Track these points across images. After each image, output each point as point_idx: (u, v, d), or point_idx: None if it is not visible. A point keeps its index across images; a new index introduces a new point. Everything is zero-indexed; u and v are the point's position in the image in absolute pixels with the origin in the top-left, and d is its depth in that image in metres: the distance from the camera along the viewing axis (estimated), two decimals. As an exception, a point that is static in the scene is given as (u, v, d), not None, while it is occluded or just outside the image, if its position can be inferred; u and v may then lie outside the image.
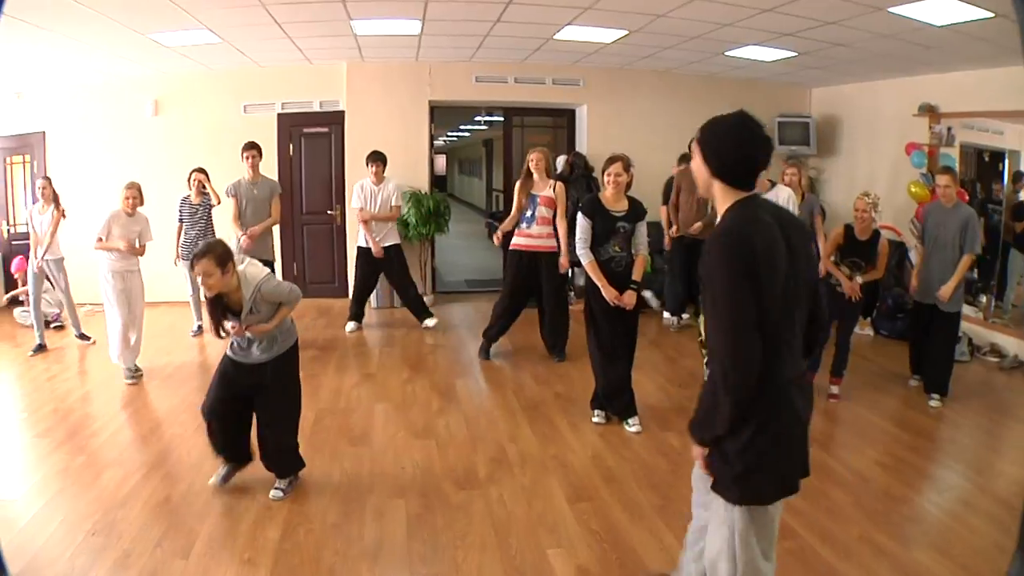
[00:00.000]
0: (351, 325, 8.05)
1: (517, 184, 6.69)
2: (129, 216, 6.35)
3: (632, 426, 5.16)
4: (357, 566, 3.50)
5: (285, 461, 4.31)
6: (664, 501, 4.10)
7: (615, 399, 5.24)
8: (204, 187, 7.62)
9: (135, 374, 6.42)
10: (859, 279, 5.70)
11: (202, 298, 4.64)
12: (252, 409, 4.23)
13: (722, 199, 2.33)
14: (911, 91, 8.34)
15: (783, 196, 6.16)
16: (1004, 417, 5.79)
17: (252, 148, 7.22)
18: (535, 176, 6.54)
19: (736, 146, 2.30)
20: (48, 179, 7.36)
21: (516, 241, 6.64)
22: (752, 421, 2.23)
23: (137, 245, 6.41)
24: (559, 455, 4.74)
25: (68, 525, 3.87)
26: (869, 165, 9.19)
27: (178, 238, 7.71)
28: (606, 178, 5.08)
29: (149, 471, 4.56)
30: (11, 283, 9.02)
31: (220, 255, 3.77)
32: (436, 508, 4.02)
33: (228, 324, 4.01)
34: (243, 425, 4.28)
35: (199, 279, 3.82)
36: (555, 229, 6.55)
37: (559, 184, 6.63)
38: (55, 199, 7.23)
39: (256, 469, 4.49)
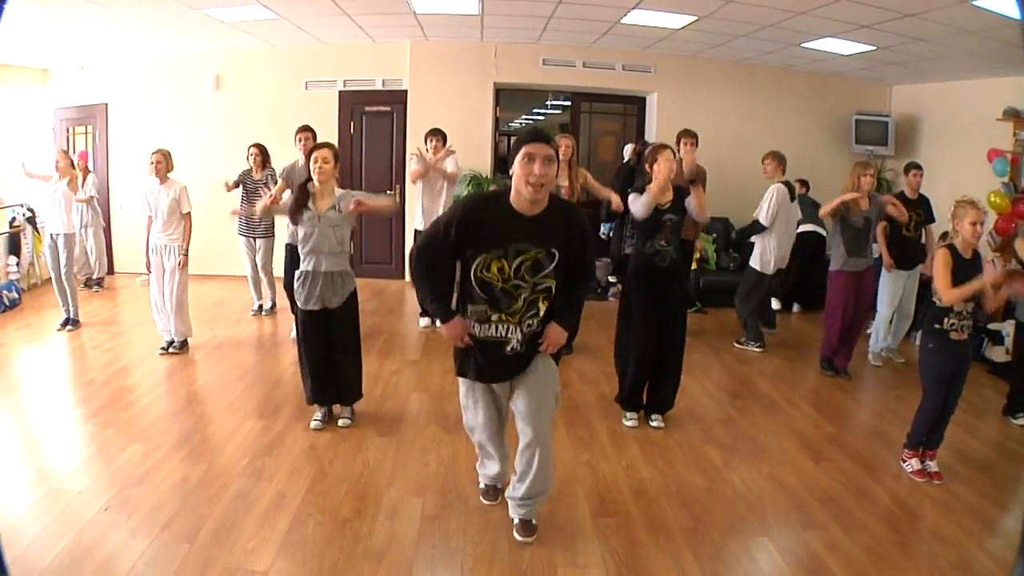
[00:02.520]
0: (424, 320, 7.62)
1: None
2: (160, 185, 6.13)
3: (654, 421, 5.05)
4: (359, 565, 3.31)
5: (353, 388, 4.95)
6: (694, 523, 3.79)
7: (661, 392, 5.08)
8: (264, 161, 7.45)
9: (166, 348, 6.37)
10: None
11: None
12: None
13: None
14: (996, 93, 7.80)
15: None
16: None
17: (306, 131, 6.59)
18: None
19: None
20: (64, 152, 7.27)
21: None
22: None
23: (179, 214, 6.18)
24: (591, 462, 4.47)
25: (84, 498, 3.86)
26: (949, 170, 8.59)
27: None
28: (662, 163, 4.72)
29: (171, 449, 4.50)
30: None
31: (337, 153, 4.66)
32: (453, 510, 3.82)
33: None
34: (331, 366, 4.80)
35: (316, 164, 4.50)
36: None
37: (582, 171, 6.43)
38: (70, 173, 7.10)
39: (278, 455, 4.41)
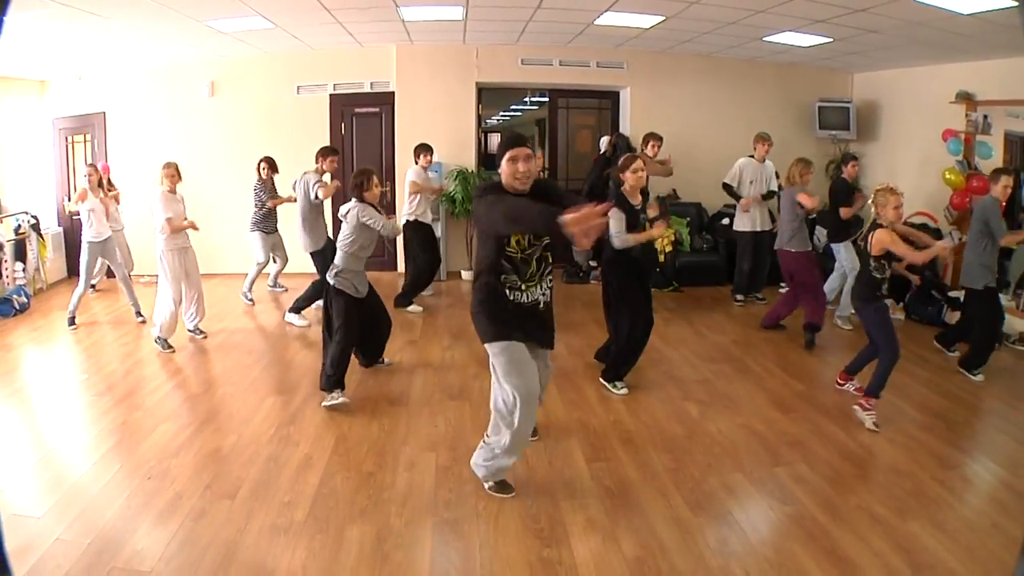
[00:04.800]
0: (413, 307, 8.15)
1: None
2: (174, 195, 6.60)
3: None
4: (386, 508, 3.79)
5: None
6: (676, 464, 4.31)
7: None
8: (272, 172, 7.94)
9: (195, 332, 6.92)
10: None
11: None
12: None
13: None
14: (949, 78, 8.30)
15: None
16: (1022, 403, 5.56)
17: (335, 153, 7.61)
18: None
19: None
20: (93, 166, 7.73)
21: None
22: None
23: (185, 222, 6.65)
24: (583, 419, 4.98)
25: (125, 471, 4.24)
26: (907, 151, 9.16)
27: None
28: (630, 175, 5.23)
29: (201, 425, 4.92)
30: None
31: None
32: (463, 461, 4.25)
33: None
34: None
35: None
36: None
37: None
38: (100, 184, 7.60)
39: (301, 424, 4.86)
